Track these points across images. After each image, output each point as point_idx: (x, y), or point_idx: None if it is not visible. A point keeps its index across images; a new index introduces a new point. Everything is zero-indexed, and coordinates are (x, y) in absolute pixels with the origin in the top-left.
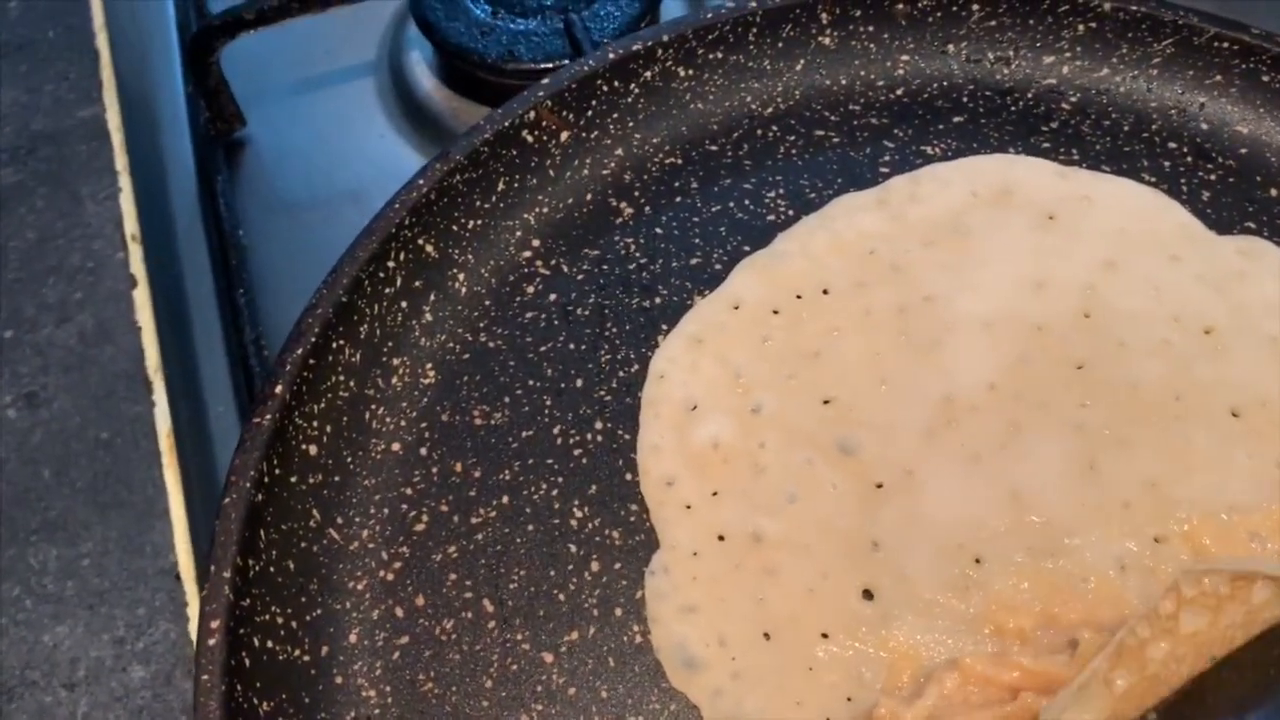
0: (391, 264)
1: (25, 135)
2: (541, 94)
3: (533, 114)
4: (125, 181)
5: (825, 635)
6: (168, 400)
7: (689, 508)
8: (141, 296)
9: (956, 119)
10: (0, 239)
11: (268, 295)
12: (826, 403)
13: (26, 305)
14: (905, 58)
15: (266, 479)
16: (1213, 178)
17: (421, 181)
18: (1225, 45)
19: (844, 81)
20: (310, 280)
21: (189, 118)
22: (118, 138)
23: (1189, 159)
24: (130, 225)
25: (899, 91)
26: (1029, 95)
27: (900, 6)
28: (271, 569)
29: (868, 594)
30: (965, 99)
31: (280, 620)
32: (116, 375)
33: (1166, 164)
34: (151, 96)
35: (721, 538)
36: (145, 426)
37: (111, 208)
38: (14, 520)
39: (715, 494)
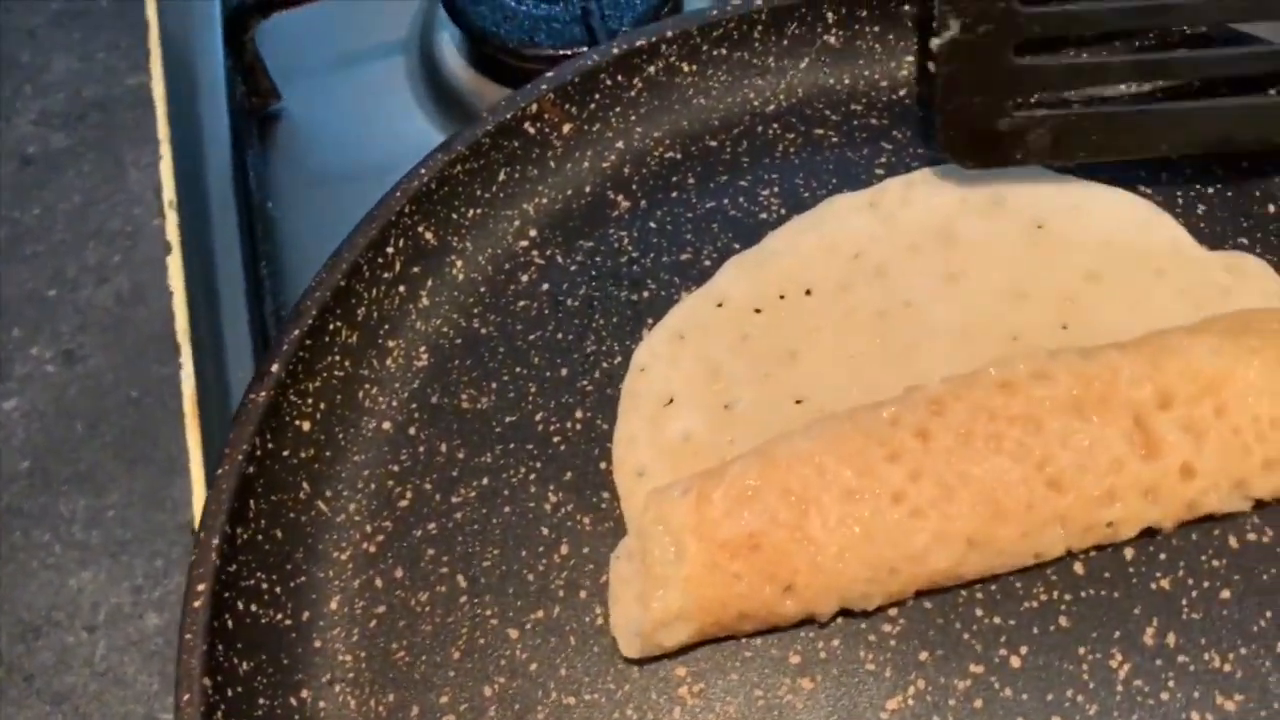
0: (390, 250)
1: (77, 101)
2: (545, 87)
3: (535, 106)
4: (166, 150)
5: None
6: (194, 364)
7: None
8: (175, 262)
9: None
10: (49, 201)
11: (294, 267)
12: (799, 402)
13: (69, 266)
14: (909, 58)
15: (259, 452)
16: (1210, 191)
17: (423, 171)
18: None
19: (847, 81)
20: None
21: (227, 90)
22: (161, 107)
23: (1187, 171)
24: (169, 192)
25: (901, 92)
26: None
27: (906, 7)
28: (260, 537)
29: None
30: None
31: (265, 585)
32: (149, 337)
33: (1164, 175)
34: (194, 67)
35: None
36: (172, 387)
37: (152, 175)
38: (47, 471)
39: None
